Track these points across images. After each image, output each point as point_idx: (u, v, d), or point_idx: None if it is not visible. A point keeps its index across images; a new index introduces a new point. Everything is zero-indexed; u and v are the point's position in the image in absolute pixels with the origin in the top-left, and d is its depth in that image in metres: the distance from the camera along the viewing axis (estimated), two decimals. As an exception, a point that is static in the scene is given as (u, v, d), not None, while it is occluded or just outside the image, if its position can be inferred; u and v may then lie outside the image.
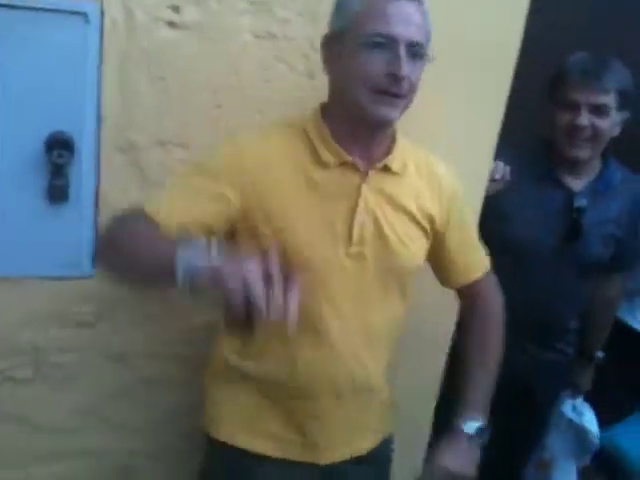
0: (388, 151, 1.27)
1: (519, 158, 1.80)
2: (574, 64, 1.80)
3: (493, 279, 1.47)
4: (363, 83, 1.13)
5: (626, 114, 1.81)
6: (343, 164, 1.23)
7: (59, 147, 1.38)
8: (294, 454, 1.34)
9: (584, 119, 1.76)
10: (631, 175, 1.92)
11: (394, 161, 1.27)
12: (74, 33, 1.35)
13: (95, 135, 1.42)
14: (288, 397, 1.31)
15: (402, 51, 1.11)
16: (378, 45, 1.12)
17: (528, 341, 1.94)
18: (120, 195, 1.45)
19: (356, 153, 1.23)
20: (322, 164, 1.22)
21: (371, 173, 1.24)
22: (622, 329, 2.24)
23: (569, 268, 1.86)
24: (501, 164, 1.70)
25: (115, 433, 1.63)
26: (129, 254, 1.12)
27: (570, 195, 1.85)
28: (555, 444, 2.13)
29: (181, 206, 1.17)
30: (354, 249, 1.24)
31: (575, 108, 1.77)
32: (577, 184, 1.87)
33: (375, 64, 1.12)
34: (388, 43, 1.11)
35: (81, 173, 1.43)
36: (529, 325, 1.88)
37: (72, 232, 1.46)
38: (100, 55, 1.37)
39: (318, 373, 1.28)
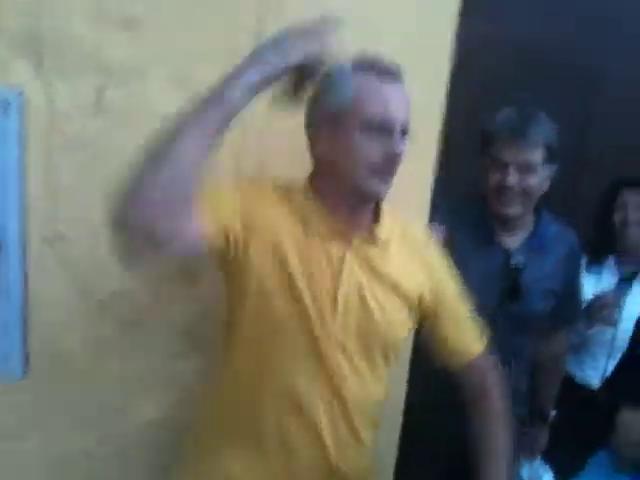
0: (374, 219, 1.27)
1: (456, 216, 1.77)
2: (500, 122, 1.78)
3: (491, 357, 1.41)
4: (361, 164, 1.17)
5: (554, 167, 1.79)
6: (329, 233, 1.22)
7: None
8: None
9: (512, 178, 1.74)
10: (564, 227, 1.91)
11: (381, 230, 1.27)
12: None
13: (20, 229, 1.34)
14: None
15: (398, 133, 1.16)
16: (378, 128, 1.15)
17: None
18: (50, 290, 1.36)
19: (343, 223, 1.23)
20: (310, 234, 1.21)
21: (356, 242, 1.23)
22: (571, 383, 2.19)
23: (513, 326, 1.81)
24: (436, 225, 1.63)
25: None
26: (179, 136, 1.03)
27: (507, 253, 1.83)
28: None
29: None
30: (339, 319, 1.21)
31: (504, 167, 1.75)
32: (513, 241, 1.85)
33: (374, 146, 1.16)
34: (386, 126, 1.15)
35: (8, 269, 1.35)
36: None
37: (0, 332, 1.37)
38: (22, 144, 1.31)
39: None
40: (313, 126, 1.23)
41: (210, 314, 1.49)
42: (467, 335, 1.39)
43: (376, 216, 1.27)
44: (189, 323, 1.50)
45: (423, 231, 1.41)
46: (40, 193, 1.34)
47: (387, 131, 1.16)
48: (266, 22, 1.42)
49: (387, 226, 1.28)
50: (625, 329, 2.08)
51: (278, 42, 1.10)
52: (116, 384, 1.46)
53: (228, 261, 1.19)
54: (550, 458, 2.10)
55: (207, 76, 1.33)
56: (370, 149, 1.16)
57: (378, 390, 1.31)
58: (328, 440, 1.24)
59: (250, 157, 1.46)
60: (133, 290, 1.43)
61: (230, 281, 1.24)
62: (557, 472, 2.05)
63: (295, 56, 1.09)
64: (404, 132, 1.19)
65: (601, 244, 2.23)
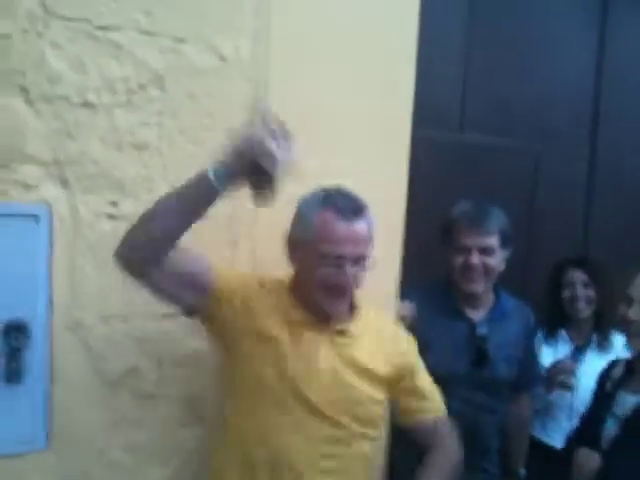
0: (351, 314, 1.56)
1: (426, 296, 2.07)
2: (461, 214, 2.11)
3: (448, 422, 1.67)
4: (318, 286, 1.45)
5: (508, 250, 2.11)
6: (307, 324, 1.49)
7: (15, 332, 1.53)
8: None
9: (475, 259, 2.04)
10: (520, 302, 2.22)
11: (355, 325, 1.53)
12: (27, 232, 1.56)
13: (47, 319, 1.58)
14: None
15: (348, 267, 1.42)
16: (330, 262, 1.42)
17: None
18: (71, 371, 1.58)
19: (319, 315, 1.50)
20: (293, 322, 1.49)
21: (330, 333, 1.51)
22: (538, 444, 2.41)
23: (482, 390, 2.07)
24: (406, 302, 1.89)
25: None
26: (161, 209, 1.35)
27: (472, 325, 2.11)
28: None
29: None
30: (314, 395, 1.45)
31: (466, 251, 2.06)
32: (477, 315, 2.14)
33: (327, 275, 1.43)
34: (337, 260, 1.42)
35: (34, 354, 1.57)
36: None
37: (27, 410, 1.58)
38: (50, 248, 1.57)
39: None
40: (288, 245, 1.53)
41: (211, 387, 1.71)
42: (426, 405, 1.65)
43: (351, 311, 1.56)
44: (191, 395, 1.72)
45: (392, 323, 1.71)
46: (64, 288, 1.58)
47: (339, 265, 1.42)
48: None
49: (361, 321, 1.56)
50: (582, 394, 2.26)
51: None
52: (129, 451, 1.66)
53: (216, 322, 1.49)
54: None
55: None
56: (324, 276, 1.43)
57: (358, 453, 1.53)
58: None
59: (244, 247, 1.73)
60: (142, 368, 1.66)
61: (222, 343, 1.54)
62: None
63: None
64: (359, 262, 1.45)
65: (554, 318, 2.47)
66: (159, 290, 1.44)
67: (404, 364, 1.62)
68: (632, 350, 1.90)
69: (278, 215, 1.53)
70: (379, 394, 1.56)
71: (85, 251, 1.60)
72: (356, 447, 1.52)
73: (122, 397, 1.65)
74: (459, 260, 2.08)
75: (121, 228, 1.59)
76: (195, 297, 1.46)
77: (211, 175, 1.30)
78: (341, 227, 1.42)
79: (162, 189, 1.64)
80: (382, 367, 1.55)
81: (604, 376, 2.03)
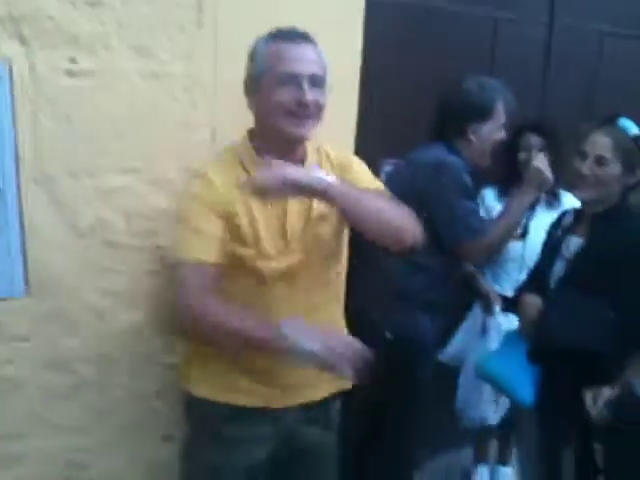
0: (302, 159, 1.61)
1: None
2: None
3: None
4: (278, 109, 1.48)
5: None
6: None
7: (-17, 186, 1.61)
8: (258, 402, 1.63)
9: None
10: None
11: (308, 165, 1.60)
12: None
13: (15, 174, 1.65)
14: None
15: (305, 83, 1.47)
16: (287, 81, 1.47)
17: None
18: (43, 222, 1.69)
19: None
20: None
21: None
22: None
23: None
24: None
25: (61, 434, 1.84)
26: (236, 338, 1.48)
27: None
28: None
29: (205, 239, 1.51)
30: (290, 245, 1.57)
31: None
32: None
33: (286, 95, 1.47)
34: (293, 79, 1.46)
35: (6, 208, 1.67)
36: None
37: (4, 261, 1.69)
38: (12, 105, 1.62)
39: None
40: (245, 87, 1.57)
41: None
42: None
43: (303, 156, 1.62)
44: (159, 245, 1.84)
45: (345, 155, 1.74)
46: (29, 143, 1.65)
47: (296, 83, 1.47)
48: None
49: (313, 161, 1.62)
50: (531, 246, 2.42)
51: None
52: (102, 296, 1.80)
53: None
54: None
55: (159, 44, 1.68)
56: (283, 97, 1.47)
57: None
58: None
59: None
60: (110, 219, 1.77)
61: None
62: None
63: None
64: (316, 83, 1.50)
65: (508, 178, 2.58)
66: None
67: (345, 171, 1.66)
68: (584, 200, 2.02)
69: (237, 74, 1.59)
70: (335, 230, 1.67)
71: (46, 107, 1.65)
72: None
73: (93, 247, 1.76)
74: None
75: (81, 84, 1.67)
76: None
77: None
78: (290, 47, 1.49)
79: (117, 45, 1.68)
80: None
81: (555, 225, 2.17)
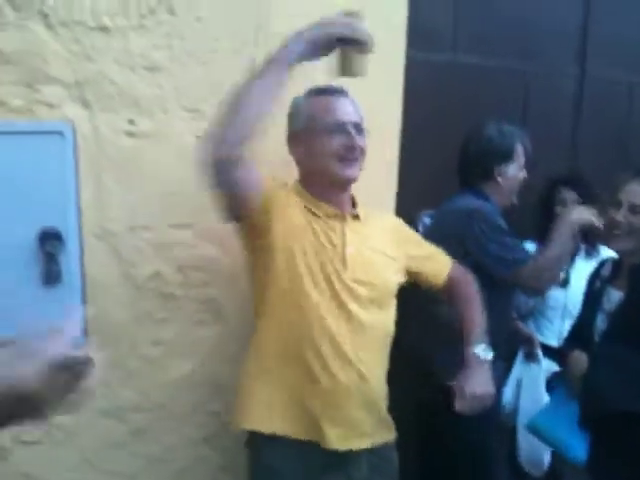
0: (353, 199, 1.73)
1: None
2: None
3: (460, 267, 1.91)
4: (330, 156, 1.61)
5: None
6: (328, 214, 1.65)
7: (50, 239, 1.70)
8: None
9: None
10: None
11: (360, 211, 1.72)
12: (54, 147, 1.71)
13: (78, 227, 1.74)
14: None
15: (352, 130, 1.61)
16: (335, 129, 1.60)
17: None
18: (102, 274, 1.77)
19: (333, 206, 1.66)
20: (315, 216, 1.64)
21: (348, 219, 1.67)
22: None
23: None
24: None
25: (113, 481, 1.88)
26: (246, 94, 1.42)
27: None
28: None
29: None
30: (348, 273, 1.62)
31: None
32: None
33: (336, 142, 1.60)
34: (341, 127, 1.61)
35: (69, 259, 1.75)
36: None
37: (64, 309, 1.76)
38: (75, 162, 1.72)
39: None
40: (290, 142, 1.69)
41: (231, 287, 1.91)
42: (436, 262, 1.88)
43: (353, 203, 1.73)
44: (209, 296, 1.91)
45: (390, 215, 1.90)
46: (91, 200, 1.75)
47: (344, 131, 1.60)
48: (258, 62, 1.84)
49: (363, 211, 1.73)
50: (573, 295, 2.43)
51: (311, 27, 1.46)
52: (155, 346, 1.86)
53: (257, 227, 1.58)
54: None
55: (213, 106, 1.77)
56: (334, 144, 1.60)
57: (385, 325, 1.72)
58: (357, 364, 1.61)
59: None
60: (165, 272, 1.84)
61: (257, 253, 1.64)
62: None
63: (329, 29, 1.44)
64: (359, 130, 1.62)
65: (547, 233, 2.60)
66: (233, 188, 1.50)
67: (406, 238, 1.83)
68: (619, 250, 2.04)
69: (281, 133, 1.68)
70: (394, 269, 1.74)
71: (107, 166, 1.75)
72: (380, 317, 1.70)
73: (148, 298, 1.83)
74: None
75: (139, 145, 1.76)
76: (251, 202, 1.55)
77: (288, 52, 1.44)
78: (332, 100, 1.64)
79: (175, 108, 1.78)
80: (389, 247, 1.74)
81: (594, 275, 2.17)
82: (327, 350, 1.58)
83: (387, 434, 1.72)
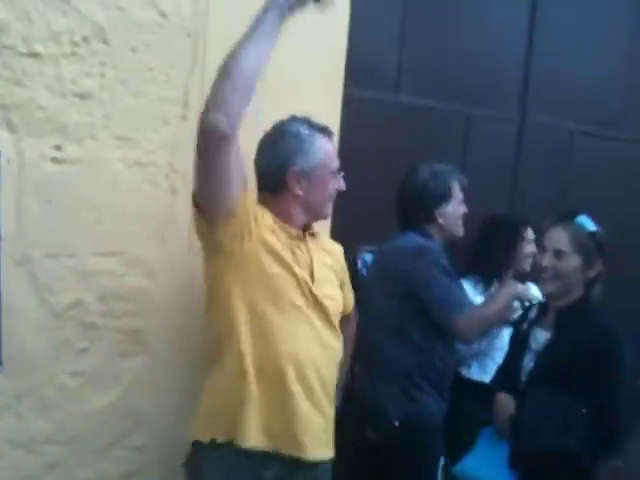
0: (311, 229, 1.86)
1: None
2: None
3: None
4: (330, 197, 1.81)
5: None
6: (296, 238, 1.75)
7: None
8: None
9: None
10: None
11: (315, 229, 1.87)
12: (-24, 172, 1.67)
13: (-4, 253, 1.70)
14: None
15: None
16: (335, 174, 1.80)
17: None
18: (20, 301, 1.73)
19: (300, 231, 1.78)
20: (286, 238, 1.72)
21: (309, 242, 1.79)
22: (478, 385, 2.60)
23: None
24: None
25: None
26: (242, 51, 1.47)
27: None
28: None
29: None
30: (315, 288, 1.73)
31: None
32: None
33: (333, 186, 1.80)
34: (337, 173, 1.81)
35: (-15, 286, 1.70)
36: None
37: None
38: (-2, 187, 1.69)
39: None
40: (292, 176, 1.72)
41: (158, 318, 1.89)
42: (349, 293, 2.02)
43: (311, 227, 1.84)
44: (134, 327, 1.88)
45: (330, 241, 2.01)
46: (12, 225, 1.71)
47: (337, 176, 1.80)
48: (192, 93, 1.86)
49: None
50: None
51: None
52: (74, 377, 1.81)
53: (236, 226, 1.60)
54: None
55: (144, 135, 1.78)
56: (333, 188, 1.80)
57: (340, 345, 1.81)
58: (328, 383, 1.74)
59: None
60: (86, 301, 1.81)
61: (224, 255, 1.64)
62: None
63: None
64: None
65: (493, 270, 2.66)
66: (221, 167, 1.51)
67: (341, 261, 1.96)
68: (546, 293, 2.09)
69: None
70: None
71: (31, 191, 1.72)
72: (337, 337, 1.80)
73: (68, 327, 1.79)
74: None
75: (65, 171, 1.75)
76: (234, 192, 1.56)
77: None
78: (330, 144, 1.82)
79: (103, 136, 1.77)
80: (333, 267, 1.87)
81: (521, 318, 2.23)
82: (310, 370, 1.67)
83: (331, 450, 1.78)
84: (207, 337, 1.78)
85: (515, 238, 2.67)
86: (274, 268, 1.66)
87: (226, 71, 1.45)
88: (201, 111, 1.48)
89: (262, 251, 1.65)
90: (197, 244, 1.72)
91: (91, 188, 1.78)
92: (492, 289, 2.65)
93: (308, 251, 1.76)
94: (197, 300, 1.86)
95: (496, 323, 2.33)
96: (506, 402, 2.07)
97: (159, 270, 1.92)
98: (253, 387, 1.63)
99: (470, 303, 2.26)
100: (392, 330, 2.23)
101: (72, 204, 1.77)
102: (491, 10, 2.79)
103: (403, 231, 2.35)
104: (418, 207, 2.30)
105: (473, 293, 2.62)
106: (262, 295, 1.64)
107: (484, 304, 2.30)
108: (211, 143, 1.47)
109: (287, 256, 1.68)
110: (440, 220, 2.31)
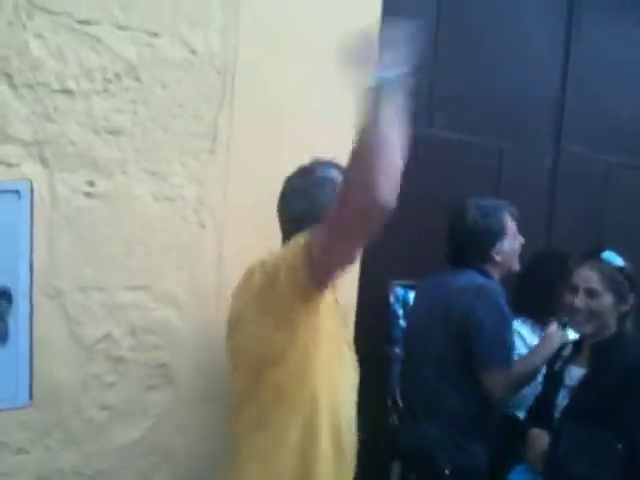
0: None
1: None
2: None
3: None
4: None
5: None
6: None
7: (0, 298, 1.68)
8: None
9: None
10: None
11: None
12: (10, 206, 1.70)
13: (28, 287, 1.73)
14: None
15: None
16: None
17: None
18: (50, 334, 1.74)
19: None
20: None
21: None
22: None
23: None
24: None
25: None
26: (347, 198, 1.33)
27: None
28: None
29: None
30: None
31: None
32: None
33: None
34: None
35: (18, 319, 1.73)
36: None
37: (10, 370, 1.73)
38: (31, 222, 1.72)
39: None
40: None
41: (184, 352, 1.88)
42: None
43: None
44: (161, 361, 1.88)
45: None
46: (44, 259, 1.73)
47: None
48: (220, 128, 1.88)
49: None
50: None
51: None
52: (102, 410, 1.81)
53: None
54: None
55: (173, 170, 1.79)
56: None
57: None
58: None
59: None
60: (115, 334, 1.81)
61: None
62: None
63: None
64: None
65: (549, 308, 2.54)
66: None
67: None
68: (582, 334, 2.06)
69: (245, 199, 1.68)
70: None
71: (62, 225, 1.74)
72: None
73: (97, 360, 1.80)
74: None
75: (96, 205, 1.77)
76: None
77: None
78: None
79: (134, 171, 1.80)
80: None
81: (555, 357, 2.19)
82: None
83: None
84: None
85: (566, 273, 2.55)
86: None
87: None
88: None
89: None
90: (224, 278, 1.72)
91: (121, 222, 1.80)
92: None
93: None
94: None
95: (532, 380, 2.23)
96: (539, 437, 2.02)
97: (186, 304, 1.92)
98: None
99: (511, 362, 2.18)
100: (443, 371, 2.16)
101: (102, 238, 1.78)
102: (526, 44, 2.77)
103: (460, 269, 2.28)
104: (472, 248, 2.24)
105: (531, 336, 2.52)
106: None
107: (526, 359, 2.24)
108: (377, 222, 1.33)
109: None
110: (498, 258, 2.25)
